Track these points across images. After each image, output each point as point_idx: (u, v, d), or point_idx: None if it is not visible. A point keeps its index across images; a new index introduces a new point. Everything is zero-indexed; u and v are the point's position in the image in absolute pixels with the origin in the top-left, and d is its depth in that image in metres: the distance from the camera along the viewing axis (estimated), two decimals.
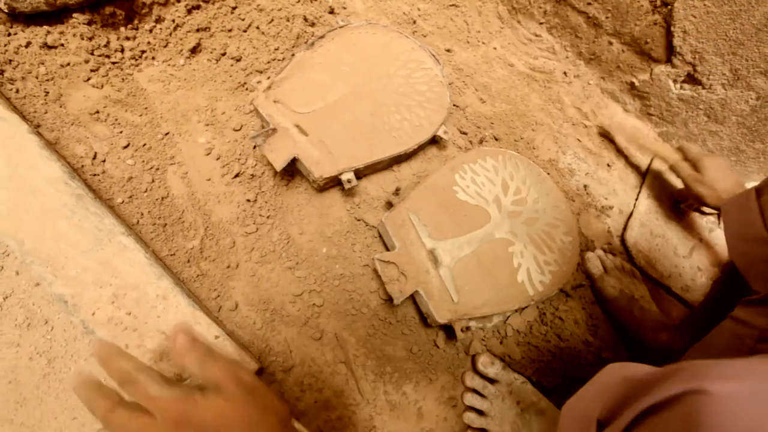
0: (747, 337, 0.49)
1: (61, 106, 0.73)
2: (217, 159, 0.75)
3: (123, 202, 0.69)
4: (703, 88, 0.90)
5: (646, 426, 0.32)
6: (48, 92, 0.72)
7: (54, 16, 0.76)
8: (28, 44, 0.73)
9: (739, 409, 0.27)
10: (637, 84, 0.99)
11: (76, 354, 0.60)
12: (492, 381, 0.67)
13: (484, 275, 0.68)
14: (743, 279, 0.55)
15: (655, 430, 0.31)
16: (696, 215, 0.98)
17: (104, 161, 0.71)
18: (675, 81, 0.94)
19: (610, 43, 0.98)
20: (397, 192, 0.75)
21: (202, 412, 0.36)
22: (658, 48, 0.92)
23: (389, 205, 0.74)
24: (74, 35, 0.75)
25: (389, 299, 0.68)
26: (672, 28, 0.86)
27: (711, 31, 0.82)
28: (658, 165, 1.00)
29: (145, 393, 0.37)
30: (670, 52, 0.90)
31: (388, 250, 0.72)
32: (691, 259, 0.93)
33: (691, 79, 0.91)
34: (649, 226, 0.93)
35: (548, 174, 0.84)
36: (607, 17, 0.95)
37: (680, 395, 0.29)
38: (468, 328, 0.69)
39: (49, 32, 0.74)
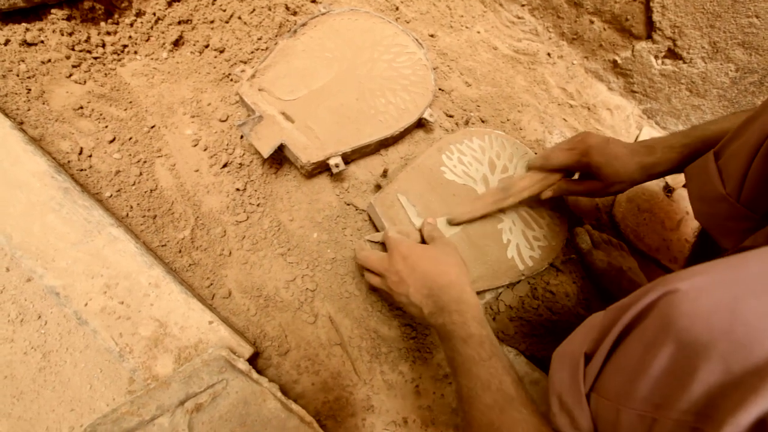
0: None
1: (44, 103, 0.72)
2: (205, 150, 0.75)
3: (111, 195, 0.69)
4: (684, 62, 0.91)
5: (630, 339, 0.35)
6: (30, 89, 0.72)
7: (32, 13, 0.75)
8: (6, 42, 0.72)
9: (702, 296, 0.31)
10: (619, 62, 1.00)
11: (71, 347, 0.61)
12: None
13: (474, 252, 0.69)
14: (714, 240, 0.57)
15: (639, 339, 0.34)
16: (682, 189, 1.00)
17: (90, 156, 0.71)
18: (656, 57, 0.95)
19: (592, 22, 0.99)
20: (384, 174, 0.76)
21: (426, 250, 0.59)
22: (638, 24, 0.93)
23: (378, 188, 0.75)
24: (54, 31, 0.75)
25: None
26: (651, 4, 0.87)
27: (688, 4, 0.83)
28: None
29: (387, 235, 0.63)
30: (650, 27, 0.91)
31: (378, 231, 0.72)
32: (678, 231, 0.95)
33: (672, 54, 0.92)
34: (636, 201, 0.95)
35: (535, 153, 0.85)
36: None
37: (656, 300, 0.34)
38: None
39: (28, 29, 0.74)
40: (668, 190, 0.99)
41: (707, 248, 0.64)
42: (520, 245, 0.71)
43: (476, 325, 0.49)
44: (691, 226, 0.96)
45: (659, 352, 0.32)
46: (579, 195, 0.72)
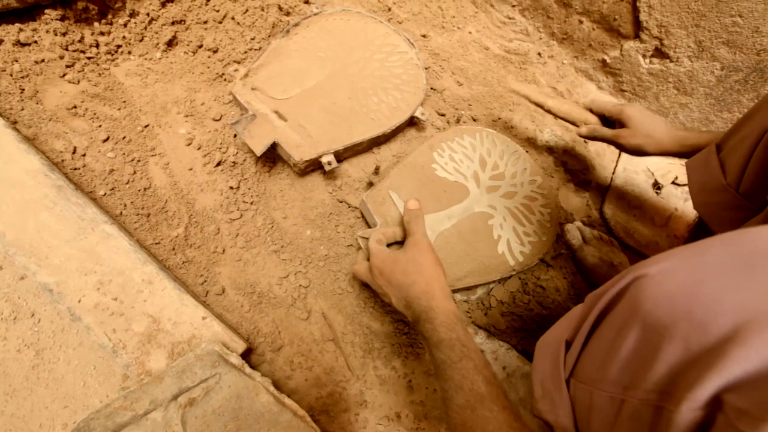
0: None
1: (37, 103, 0.73)
2: (198, 149, 0.76)
3: (105, 194, 0.69)
4: (671, 61, 0.93)
5: (604, 324, 0.36)
6: (23, 89, 0.72)
7: (26, 14, 0.76)
8: (0, 42, 0.73)
9: (667, 278, 0.32)
10: (608, 61, 1.02)
11: (65, 344, 0.61)
12: None
13: (465, 247, 0.70)
14: (710, 233, 0.58)
15: (612, 323, 0.36)
16: (671, 186, 1.01)
17: (84, 155, 0.71)
18: (644, 56, 0.96)
19: (581, 22, 1.01)
20: (377, 171, 0.77)
21: (397, 260, 0.58)
22: (626, 24, 0.94)
23: (370, 185, 0.76)
24: (47, 31, 0.75)
25: None
26: (637, 4, 0.89)
27: (674, 4, 0.85)
28: None
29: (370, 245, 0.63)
30: (638, 27, 0.93)
31: (370, 227, 0.73)
32: (667, 228, 0.96)
33: (659, 53, 0.94)
34: (626, 199, 0.96)
35: (526, 152, 0.86)
36: None
37: (627, 285, 0.35)
38: None
39: (21, 30, 0.74)
40: (657, 187, 1.00)
41: None
42: (510, 241, 0.72)
43: (445, 330, 0.50)
44: (682, 221, 0.98)
45: (628, 335, 0.33)
46: (609, 140, 0.76)
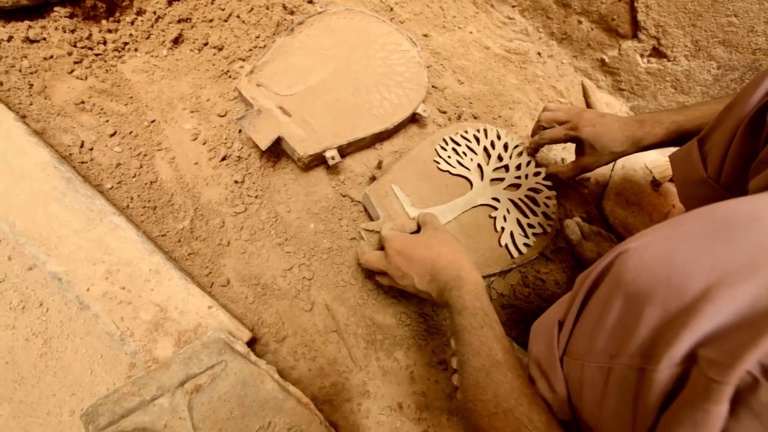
0: None
1: (46, 98, 0.74)
2: (204, 144, 0.77)
3: (112, 187, 0.70)
4: (668, 60, 0.95)
5: (592, 300, 0.38)
6: (32, 85, 0.73)
7: (35, 11, 0.77)
8: (10, 38, 0.74)
9: (646, 251, 0.34)
10: (607, 60, 1.03)
11: (72, 333, 0.62)
12: None
13: (466, 241, 0.71)
14: None
15: (598, 298, 0.37)
16: (669, 183, 1.03)
17: (92, 149, 0.72)
18: (642, 55, 0.98)
19: (580, 22, 1.02)
20: (379, 166, 0.78)
21: (417, 239, 0.60)
22: (624, 24, 0.96)
23: (373, 180, 0.77)
24: (56, 28, 0.77)
25: None
26: (635, 4, 0.91)
27: (671, 4, 0.86)
28: None
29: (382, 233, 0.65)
30: (636, 27, 0.94)
31: (372, 221, 0.74)
32: None
33: (657, 53, 0.95)
34: (624, 195, 0.97)
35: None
36: None
37: (611, 261, 0.37)
38: None
39: (30, 26, 0.76)
40: (656, 184, 1.02)
41: None
42: (514, 233, 0.74)
43: (470, 298, 0.52)
44: None
45: (612, 306, 0.35)
46: (577, 174, 0.77)
